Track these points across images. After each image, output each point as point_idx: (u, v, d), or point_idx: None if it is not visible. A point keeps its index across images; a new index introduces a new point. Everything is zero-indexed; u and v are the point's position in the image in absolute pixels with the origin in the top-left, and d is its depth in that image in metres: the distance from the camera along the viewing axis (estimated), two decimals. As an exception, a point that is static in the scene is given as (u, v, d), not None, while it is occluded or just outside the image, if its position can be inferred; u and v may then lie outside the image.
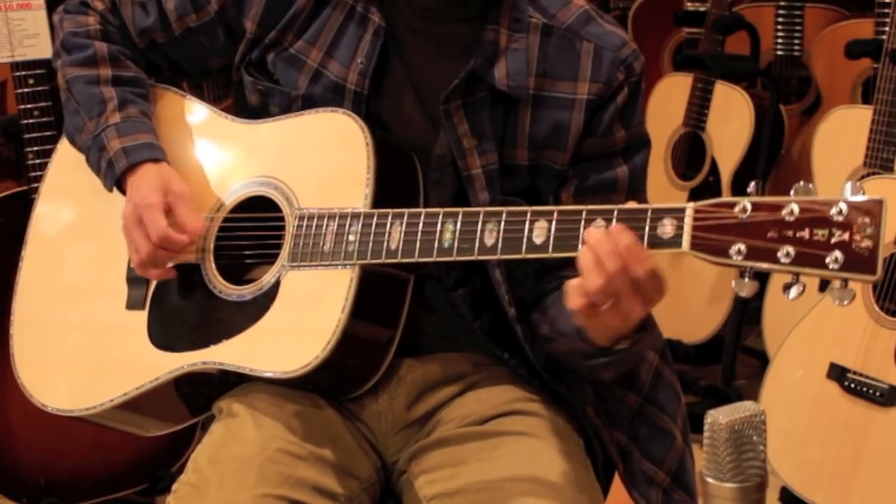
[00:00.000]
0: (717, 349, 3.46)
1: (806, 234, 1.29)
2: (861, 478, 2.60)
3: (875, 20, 3.32)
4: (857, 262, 1.27)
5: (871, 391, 2.60)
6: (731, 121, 3.45)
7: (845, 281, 1.29)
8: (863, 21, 3.53)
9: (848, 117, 3.04)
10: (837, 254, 1.28)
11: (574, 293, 1.41)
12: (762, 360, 3.30)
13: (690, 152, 3.57)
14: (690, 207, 1.37)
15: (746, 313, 3.39)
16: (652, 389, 1.76)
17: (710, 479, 1.22)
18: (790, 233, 1.30)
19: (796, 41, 3.66)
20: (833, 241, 1.28)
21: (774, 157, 3.54)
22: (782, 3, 3.64)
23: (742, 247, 1.32)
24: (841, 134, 3.03)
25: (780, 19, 3.66)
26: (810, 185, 1.32)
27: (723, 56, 3.50)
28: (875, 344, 2.63)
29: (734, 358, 3.40)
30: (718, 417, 1.21)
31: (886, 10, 3.05)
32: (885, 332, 2.61)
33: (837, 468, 2.64)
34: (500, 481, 1.56)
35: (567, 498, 1.55)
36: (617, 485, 1.78)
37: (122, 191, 1.74)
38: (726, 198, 1.35)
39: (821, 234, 1.29)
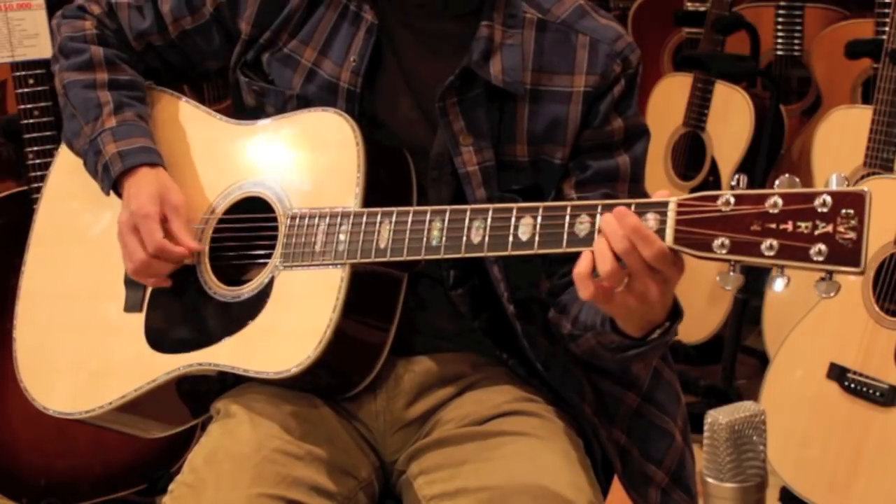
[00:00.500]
0: (717, 349, 3.45)
1: (789, 226, 1.28)
2: (861, 478, 2.60)
3: (875, 20, 3.32)
4: (842, 254, 1.26)
5: (871, 391, 2.60)
6: (731, 121, 3.45)
7: (830, 273, 1.29)
8: (863, 21, 3.53)
9: (848, 117, 3.04)
10: (821, 246, 1.27)
11: (580, 283, 1.40)
12: (762, 360, 3.29)
13: (690, 152, 3.57)
14: (673, 201, 1.36)
15: (746, 313, 3.39)
16: (651, 389, 1.76)
17: (710, 479, 1.22)
18: (774, 225, 1.29)
19: (796, 41, 3.66)
20: (817, 233, 1.27)
21: (774, 157, 3.54)
22: (782, 3, 3.64)
23: (725, 240, 1.31)
24: (841, 134, 3.03)
25: (780, 19, 3.66)
26: (795, 178, 1.31)
27: (723, 56, 3.50)
28: (875, 344, 2.63)
29: (734, 358, 3.40)
30: (718, 417, 1.21)
31: (886, 10, 3.04)
32: (885, 332, 2.61)
33: (837, 468, 2.63)
34: (500, 482, 1.56)
35: (566, 498, 1.55)
36: (617, 485, 1.78)
37: (119, 194, 1.74)
38: (709, 191, 1.34)
39: (804, 226, 1.28)
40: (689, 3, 3.71)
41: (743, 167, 3.43)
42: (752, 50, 3.60)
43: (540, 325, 1.71)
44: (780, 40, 3.67)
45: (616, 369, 1.68)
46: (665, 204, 1.36)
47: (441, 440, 1.65)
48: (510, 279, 1.66)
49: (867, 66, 3.39)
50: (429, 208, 1.54)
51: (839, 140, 3.03)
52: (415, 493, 1.63)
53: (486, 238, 1.49)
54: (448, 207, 1.53)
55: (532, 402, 1.69)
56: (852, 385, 2.64)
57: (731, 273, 1.34)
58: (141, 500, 2.84)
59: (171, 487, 1.61)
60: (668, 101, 3.58)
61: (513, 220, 1.47)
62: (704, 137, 3.51)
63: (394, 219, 1.55)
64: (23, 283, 1.89)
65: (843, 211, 1.26)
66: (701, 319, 3.47)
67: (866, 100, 3.35)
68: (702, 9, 3.62)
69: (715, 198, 1.33)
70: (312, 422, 1.65)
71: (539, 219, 1.45)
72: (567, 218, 1.43)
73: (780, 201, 1.29)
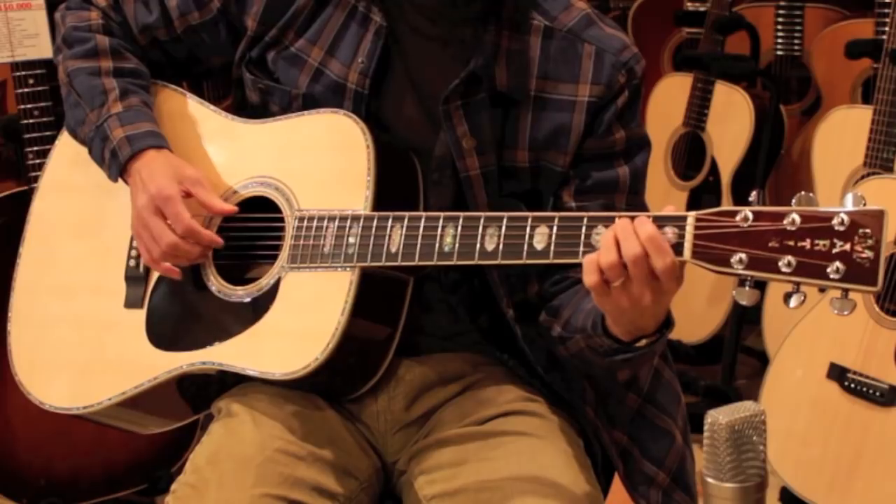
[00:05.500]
0: (717, 349, 3.46)
1: (807, 244, 1.30)
2: (861, 478, 2.60)
3: (875, 20, 3.32)
4: (859, 272, 1.28)
5: (871, 391, 2.60)
6: (731, 121, 3.45)
7: (846, 291, 1.30)
8: (863, 21, 3.53)
9: (848, 117, 3.04)
10: (838, 264, 1.28)
11: (588, 268, 1.41)
12: (762, 360, 3.30)
13: (690, 152, 3.57)
14: (692, 216, 1.37)
15: (746, 313, 3.39)
16: (652, 389, 1.76)
17: (710, 479, 1.22)
18: (791, 242, 1.30)
19: (796, 41, 3.66)
20: (834, 251, 1.28)
21: (774, 157, 3.54)
22: (782, 3, 3.64)
23: (743, 256, 1.33)
24: (841, 134, 3.03)
25: (780, 19, 3.66)
26: (811, 195, 1.32)
27: (723, 56, 3.50)
28: (875, 344, 2.63)
29: (734, 358, 3.41)
30: (718, 417, 1.21)
31: (886, 10, 3.04)
32: (885, 332, 2.61)
33: (837, 468, 2.64)
34: (500, 481, 1.56)
35: (567, 498, 1.55)
36: (617, 485, 1.78)
37: (126, 181, 1.73)
38: (728, 206, 1.35)
39: (822, 244, 1.29)
40: (689, 3, 3.71)
41: (743, 167, 3.43)
42: (752, 50, 3.60)
43: (539, 328, 1.71)
44: (780, 40, 3.67)
45: (601, 374, 1.68)
46: (684, 218, 1.37)
47: (441, 440, 1.65)
48: (509, 283, 1.66)
49: (867, 66, 3.39)
50: (441, 214, 1.54)
51: (839, 140, 3.03)
52: (415, 492, 1.63)
53: (501, 246, 1.49)
54: (461, 214, 1.53)
55: (532, 401, 1.69)
56: (852, 385, 2.64)
57: (748, 288, 1.35)
58: (141, 500, 2.85)
59: (173, 487, 1.61)
60: (668, 101, 3.58)
61: (528, 228, 1.47)
62: (704, 137, 3.51)
63: (405, 223, 1.55)
64: (18, 276, 1.87)
65: (861, 230, 1.27)
66: (701, 319, 3.47)
67: (866, 100, 3.35)
68: (702, 9, 3.62)
69: (733, 213, 1.34)
70: (315, 422, 1.65)
71: (555, 228, 1.46)
72: (584, 229, 1.44)
73: (798, 219, 1.30)
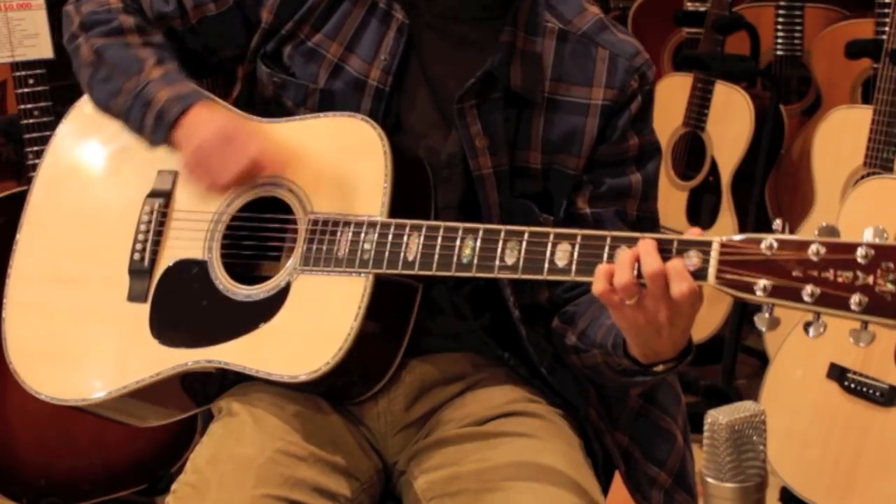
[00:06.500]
0: (717, 349, 3.46)
1: (830, 275, 1.30)
2: (861, 478, 2.60)
3: (875, 20, 3.32)
4: (880, 306, 1.29)
5: (871, 391, 2.60)
6: (731, 121, 3.46)
7: (866, 323, 1.30)
8: (863, 21, 3.53)
9: (848, 117, 3.04)
10: (860, 297, 1.29)
11: (598, 276, 1.41)
12: (762, 360, 3.30)
13: (690, 152, 3.57)
14: (717, 241, 1.37)
15: (746, 313, 3.39)
16: (653, 390, 1.76)
17: (710, 479, 1.23)
18: (815, 273, 1.31)
19: (796, 41, 3.66)
20: (857, 283, 1.29)
21: (774, 157, 3.54)
22: (782, 3, 3.64)
23: (767, 284, 1.33)
24: (841, 134, 3.04)
25: (780, 19, 3.66)
26: (835, 226, 1.32)
27: (723, 56, 3.50)
28: (875, 344, 2.61)
29: (734, 358, 3.41)
30: (718, 417, 1.22)
31: (886, 10, 3.05)
32: (886, 332, 2.61)
33: (837, 468, 2.64)
34: (500, 481, 1.56)
35: (567, 498, 1.55)
36: (617, 484, 1.78)
37: (172, 142, 1.69)
38: (753, 234, 1.35)
39: (845, 276, 1.29)
40: (689, 3, 3.71)
41: (743, 167, 3.43)
42: (752, 50, 3.60)
43: (544, 330, 1.71)
44: (780, 40, 3.68)
45: (615, 389, 1.69)
46: (709, 243, 1.37)
47: (442, 440, 1.65)
48: (516, 284, 1.66)
49: (867, 66, 3.39)
50: (461, 225, 1.53)
51: (839, 140, 3.03)
52: (415, 493, 1.63)
53: (521, 261, 1.49)
54: (481, 226, 1.52)
55: (533, 402, 1.69)
56: (852, 385, 2.64)
57: (768, 315, 1.35)
58: (141, 500, 2.85)
59: (174, 487, 1.61)
60: (668, 101, 3.58)
61: (549, 245, 1.47)
62: (704, 137, 3.51)
63: (423, 233, 1.55)
64: (14, 263, 1.84)
65: (884, 264, 1.28)
66: (701, 319, 3.44)
67: (866, 100, 3.35)
68: (702, 9, 3.62)
69: (758, 241, 1.34)
70: (316, 423, 1.65)
71: (577, 247, 1.45)
72: (606, 249, 1.43)
73: (822, 249, 1.31)
